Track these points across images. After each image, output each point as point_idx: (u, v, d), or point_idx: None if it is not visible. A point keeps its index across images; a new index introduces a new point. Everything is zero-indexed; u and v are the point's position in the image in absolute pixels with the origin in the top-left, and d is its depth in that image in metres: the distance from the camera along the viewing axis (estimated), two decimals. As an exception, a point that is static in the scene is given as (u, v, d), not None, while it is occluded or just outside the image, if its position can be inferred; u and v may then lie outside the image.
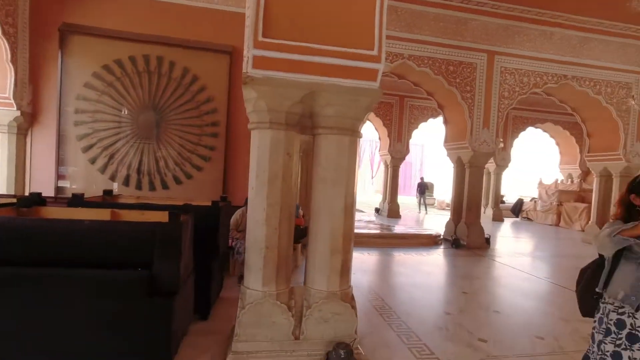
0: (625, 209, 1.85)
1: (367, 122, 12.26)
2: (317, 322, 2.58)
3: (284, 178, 2.52)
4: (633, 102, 7.07)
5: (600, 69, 7.94)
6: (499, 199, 14.26)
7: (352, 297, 2.75)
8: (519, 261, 6.97)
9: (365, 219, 10.54)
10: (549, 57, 7.61)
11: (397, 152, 11.86)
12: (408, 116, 11.79)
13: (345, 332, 2.61)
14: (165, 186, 5.21)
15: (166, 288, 2.26)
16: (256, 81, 2.28)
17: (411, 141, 12.29)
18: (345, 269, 2.66)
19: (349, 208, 2.61)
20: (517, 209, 15.37)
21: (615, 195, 8.78)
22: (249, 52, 2.25)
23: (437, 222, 10.94)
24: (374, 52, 2.38)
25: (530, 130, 13.86)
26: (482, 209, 14.02)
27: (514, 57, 7.49)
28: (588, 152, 9.51)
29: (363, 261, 6.22)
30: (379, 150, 12.59)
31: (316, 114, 2.55)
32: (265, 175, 2.49)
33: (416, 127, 11.99)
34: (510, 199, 16.90)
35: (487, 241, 7.98)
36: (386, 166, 12.50)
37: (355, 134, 2.56)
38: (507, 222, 13.71)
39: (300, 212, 5.27)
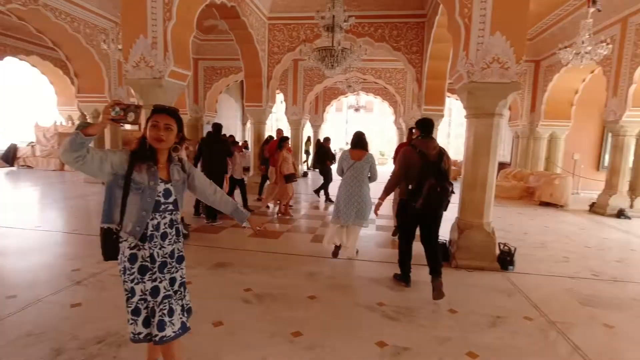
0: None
1: None
2: None
3: None
4: (105, 47, 7.50)
5: (78, 7, 7.71)
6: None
7: None
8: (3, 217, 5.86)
9: None
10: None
11: None
12: None
13: None
14: None
15: None
16: None
17: None
18: None
19: None
20: (11, 157, 13.15)
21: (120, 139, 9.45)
22: None
23: None
24: None
25: (15, 62, 11.68)
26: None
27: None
28: (78, 93, 9.42)
29: None
30: None
31: None
32: None
33: None
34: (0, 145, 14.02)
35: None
36: None
37: None
38: (0, 173, 11.36)
39: None
